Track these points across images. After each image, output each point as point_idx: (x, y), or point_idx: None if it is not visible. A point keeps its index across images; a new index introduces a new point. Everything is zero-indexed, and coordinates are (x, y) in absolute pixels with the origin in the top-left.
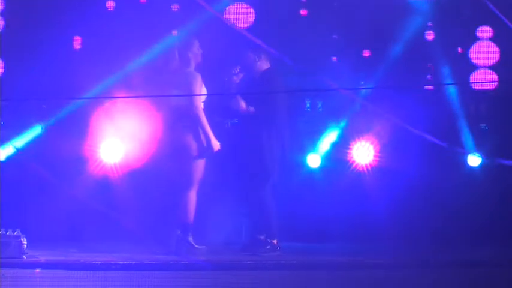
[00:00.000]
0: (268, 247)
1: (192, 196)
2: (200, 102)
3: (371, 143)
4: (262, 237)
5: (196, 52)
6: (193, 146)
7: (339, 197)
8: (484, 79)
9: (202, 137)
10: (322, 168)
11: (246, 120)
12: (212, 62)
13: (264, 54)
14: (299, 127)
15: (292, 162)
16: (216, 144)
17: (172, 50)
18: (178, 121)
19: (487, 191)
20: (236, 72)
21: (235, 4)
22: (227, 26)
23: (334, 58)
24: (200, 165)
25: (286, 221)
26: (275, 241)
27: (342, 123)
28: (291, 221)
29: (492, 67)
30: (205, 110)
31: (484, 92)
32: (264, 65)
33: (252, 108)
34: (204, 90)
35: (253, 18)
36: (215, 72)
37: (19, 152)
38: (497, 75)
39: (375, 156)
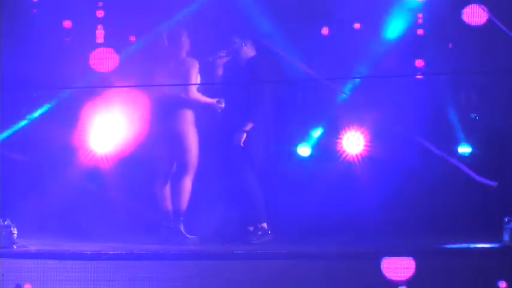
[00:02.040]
0: (259, 233)
1: (187, 184)
2: (194, 88)
3: (361, 133)
4: (251, 228)
5: (187, 39)
6: (189, 133)
7: (329, 187)
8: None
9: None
10: (312, 158)
11: (230, 109)
12: (198, 47)
13: (250, 40)
14: (289, 117)
15: (282, 152)
16: (218, 103)
17: (162, 36)
18: (173, 109)
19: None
20: (222, 55)
21: None
22: (214, 10)
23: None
24: (193, 152)
25: (276, 211)
26: (264, 224)
27: (332, 113)
28: (282, 211)
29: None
30: None
31: (474, 81)
32: (250, 51)
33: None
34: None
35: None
36: (201, 57)
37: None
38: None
39: (365, 145)
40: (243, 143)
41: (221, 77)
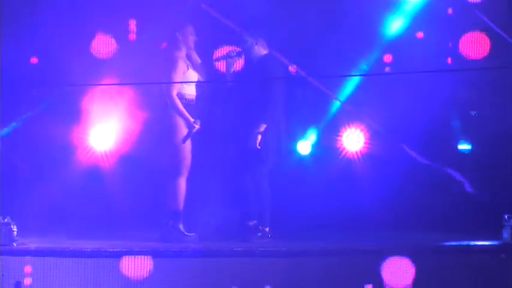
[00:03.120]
0: (259, 234)
1: (181, 183)
2: (174, 88)
3: (361, 130)
4: (251, 223)
5: (188, 36)
6: (178, 132)
7: (329, 185)
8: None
9: (182, 123)
10: (312, 155)
11: (241, 106)
12: (208, 47)
13: (261, 39)
14: (289, 114)
15: (282, 150)
16: (194, 125)
17: (161, 32)
18: (165, 107)
19: (478, 178)
20: (233, 55)
21: None
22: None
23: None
24: (187, 152)
25: (276, 208)
26: (267, 229)
27: (333, 110)
28: (281, 209)
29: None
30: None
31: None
32: (262, 50)
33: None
34: (192, 77)
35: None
36: (211, 57)
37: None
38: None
39: (365, 143)
40: (259, 145)
41: (233, 76)
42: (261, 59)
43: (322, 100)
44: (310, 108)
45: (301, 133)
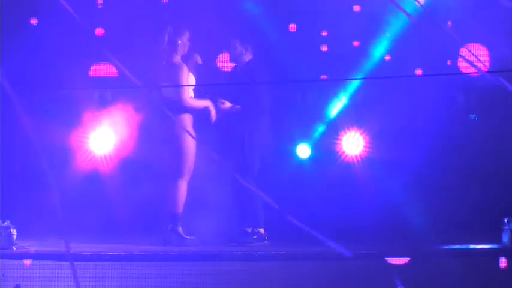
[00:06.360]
0: (254, 237)
1: (183, 186)
2: (187, 93)
3: (361, 134)
4: (249, 230)
5: (185, 42)
6: (183, 136)
7: (328, 188)
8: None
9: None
10: (311, 159)
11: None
12: (198, 50)
13: (250, 45)
14: (288, 117)
15: (281, 153)
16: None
17: (162, 35)
18: (169, 112)
19: (478, 180)
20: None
21: None
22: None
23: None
24: (190, 155)
25: (275, 212)
26: (262, 230)
27: (332, 114)
28: (280, 213)
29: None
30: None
31: (473, 81)
32: (249, 56)
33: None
34: (192, 80)
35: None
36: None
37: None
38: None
39: (365, 147)
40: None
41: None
42: (246, 64)
43: (321, 103)
44: (309, 110)
45: (300, 137)
